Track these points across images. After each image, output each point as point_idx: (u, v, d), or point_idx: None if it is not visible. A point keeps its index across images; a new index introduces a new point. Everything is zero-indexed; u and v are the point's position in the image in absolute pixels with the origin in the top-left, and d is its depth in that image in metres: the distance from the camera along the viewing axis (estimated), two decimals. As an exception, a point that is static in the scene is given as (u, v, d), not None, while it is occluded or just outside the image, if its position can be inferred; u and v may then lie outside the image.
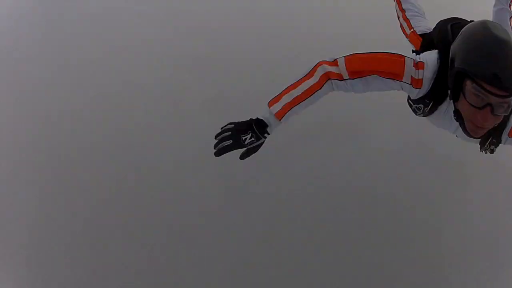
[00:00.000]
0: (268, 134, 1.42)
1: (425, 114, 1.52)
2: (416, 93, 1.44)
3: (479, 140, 1.47)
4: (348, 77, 1.41)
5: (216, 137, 1.41)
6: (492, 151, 1.51)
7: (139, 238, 3.36)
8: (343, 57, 1.42)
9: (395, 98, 1.77)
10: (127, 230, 3.36)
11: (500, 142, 1.47)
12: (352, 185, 3.46)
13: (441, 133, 1.69)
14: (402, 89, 1.44)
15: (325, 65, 1.43)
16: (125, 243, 3.32)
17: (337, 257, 3.26)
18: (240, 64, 3.80)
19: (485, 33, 1.24)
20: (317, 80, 1.42)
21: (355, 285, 3.19)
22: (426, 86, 1.41)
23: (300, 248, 3.30)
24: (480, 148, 1.52)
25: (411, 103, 1.54)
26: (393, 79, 1.39)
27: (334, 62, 1.43)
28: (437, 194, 3.34)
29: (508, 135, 1.44)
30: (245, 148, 1.41)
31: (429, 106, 1.46)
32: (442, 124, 1.57)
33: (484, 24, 1.27)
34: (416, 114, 1.56)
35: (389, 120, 3.54)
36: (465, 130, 1.36)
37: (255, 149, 1.45)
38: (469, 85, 1.24)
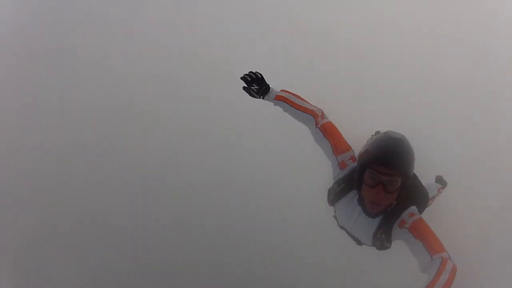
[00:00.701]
0: (263, 98, 2.14)
1: (335, 197, 1.87)
2: (337, 173, 1.90)
3: (372, 237, 1.81)
4: (318, 127, 1.99)
5: (245, 75, 2.15)
6: (381, 246, 1.79)
7: (138, 238, 3.37)
8: (326, 122, 2.00)
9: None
10: (127, 231, 3.36)
11: (390, 234, 1.75)
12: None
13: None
14: (332, 163, 1.94)
15: (322, 114, 2.05)
16: (125, 244, 3.33)
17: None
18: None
19: (382, 135, 1.72)
20: (310, 109, 2.04)
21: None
22: (346, 171, 1.86)
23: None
24: (372, 239, 1.81)
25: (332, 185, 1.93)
26: (334, 151, 1.92)
27: (324, 118, 2.03)
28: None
29: (398, 225, 1.74)
30: (247, 87, 2.15)
31: (341, 187, 1.84)
32: (342, 214, 1.90)
33: (385, 132, 1.74)
34: (329, 200, 1.93)
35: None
36: (364, 210, 1.74)
37: (251, 94, 2.17)
38: (367, 172, 1.65)
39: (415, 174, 1.93)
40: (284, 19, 3.91)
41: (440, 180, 2.91)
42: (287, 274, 3.14)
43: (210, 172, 3.56)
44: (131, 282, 3.22)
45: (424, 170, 2.05)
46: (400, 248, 1.79)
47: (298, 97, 2.09)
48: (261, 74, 2.14)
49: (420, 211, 1.91)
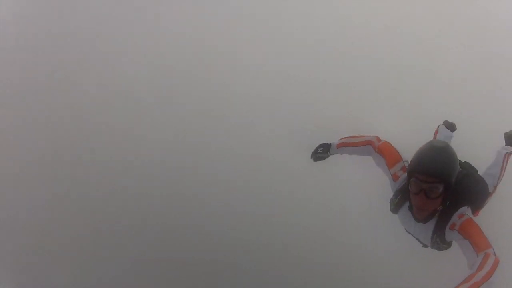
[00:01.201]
0: (330, 154, 2.47)
1: (395, 207, 2.04)
2: (393, 185, 2.08)
3: (430, 240, 1.95)
4: (376, 151, 2.21)
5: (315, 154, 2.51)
6: (439, 247, 1.96)
7: (137, 239, 3.37)
8: (381, 143, 2.22)
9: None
10: (127, 231, 3.36)
11: (444, 236, 1.88)
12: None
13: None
14: (388, 178, 2.13)
15: (377, 139, 2.27)
16: (125, 244, 3.33)
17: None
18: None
19: (425, 145, 1.86)
20: (367, 140, 2.29)
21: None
22: (399, 182, 2.03)
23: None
24: (431, 242, 1.96)
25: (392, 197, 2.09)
26: (388, 165, 2.12)
27: (380, 141, 2.25)
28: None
29: (449, 227, 1.84)
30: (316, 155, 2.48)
31: (398, 198, 2.01)
32: (405, 221, 2.06)
33: (429, 141, 1.90)
34: (391, 210, 2.09)
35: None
36: (413, 214, 1.89)
37: (322, 157, 2.49)
38: (411, 181, 1.82)
39: (470, 173, 2.10)
40: (283, 20, 3.92)
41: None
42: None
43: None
44: (132, 283, 3.22)
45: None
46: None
47: (353, 136, 2.39)
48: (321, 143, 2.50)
49: (478, 208, 2.09)
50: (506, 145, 2.64)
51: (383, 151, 2.18)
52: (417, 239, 2.10)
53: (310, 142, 2.57)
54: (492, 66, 3.58)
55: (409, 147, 3.00)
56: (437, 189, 1.75)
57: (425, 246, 2.11)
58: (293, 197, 3.49)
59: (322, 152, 2.46)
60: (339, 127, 3.47)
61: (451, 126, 2.89)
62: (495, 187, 2.36)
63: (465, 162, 2.28)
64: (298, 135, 3.44)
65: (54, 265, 3.24)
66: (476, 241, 1.72)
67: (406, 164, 2.03)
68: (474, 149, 2.54)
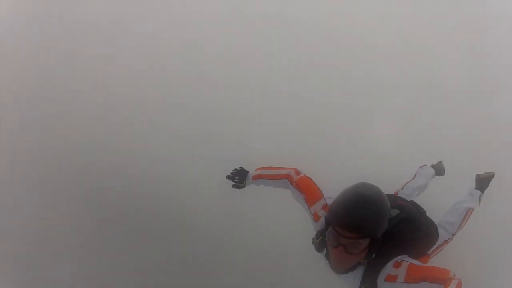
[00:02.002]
0: (246, 184, 2.32)
1: (318, 247, 1.71)
2: (315, 225, 1.80)
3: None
4: (293, 186, 2.02)
5: (229, 175, 2.37)
6: None
7: (137, 239, 3.37)
8: (299, 177, 2.02)
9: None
10: (128, 231, 3.36)
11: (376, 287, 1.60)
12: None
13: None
14: (309, 216, 1.87)
15: (295, 172, 2.08)
16: (126, 243, 3.33)
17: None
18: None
19: (350, 190, 1.56)
20: (283, 174, 2.09)
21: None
22: (320, 223, 1.73)
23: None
24: None
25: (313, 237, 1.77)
26: (307, 203, 1.88)
27: (299, 174, 2.06)
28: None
29: (384, 279, 1.57)
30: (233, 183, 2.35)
31: (319, 240, 1.67)
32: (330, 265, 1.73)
33: (357, 184, 1.59)
34: (315, 249, 1.76)
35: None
36: (331, 265, 1.64)
37: (239, 187, 2.33)
38: (328, 231, 1.56)
39: (411, 217, 1.81)
40: (281, 22, 3.93)
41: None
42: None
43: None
44: (131, 282, 3.22)
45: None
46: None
47: (271, 168, 2.22)
48: (240, 167, 2.37)
49: (421, 254, 1.82)
50: (475, 188, 2.43)
51: (301, 187, 1.96)
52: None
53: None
54: (489, 73, 3.61)
55: (403, 156, 3.03)
56: (359, 244, 1.49)
57: None
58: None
59: (238, 181, 2.30)
60: (332, 133, 3.53)
61: (439, 170, 2.77)
62: (453, 235, 2.15)
63: (411, 201, 2.04)
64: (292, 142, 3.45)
65: (54, 265, 3.24)
66: (434, 276, 1.50)
67: (329, 202, 1.80)
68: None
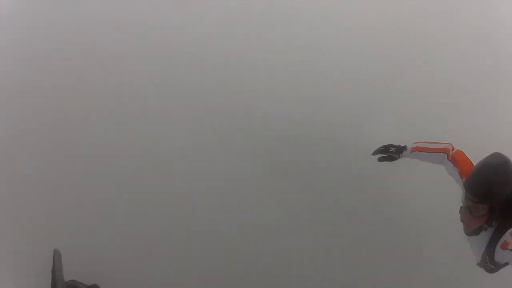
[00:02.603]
0: (401, 156, 2.42)
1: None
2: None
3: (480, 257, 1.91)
4: (449, 160, 2.17)
5: (378, 149, 2.47)
6: (486, 267, 1.92)
7: (139, 239, 3.37)
8: (455, 152, 2.19)
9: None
10: (128, 230, 3.36)
11: (493, 255, 1.82)
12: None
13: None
14: (461, 189, 1.98)
15: (451, 147, 2.24)
16: (127, 243, 3.33)
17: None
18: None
19: (483, 160, 1.80)
20: (442, 148, 2.24)
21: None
22: None
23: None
24: (480, 260, 1.93)
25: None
26: (461, 176, 2.05)
27: (454, 149, 2.22)
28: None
29: (501, 247, 1.77)
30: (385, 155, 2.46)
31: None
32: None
33: (492, 153, 1.79)
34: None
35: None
36: (463, 228, 1.88)
37: (392, 158, 2.45)
38: (464, 194, 1.81)
39: None
40: (279, 20, 3.92)
41: None
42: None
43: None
44: (132, 282, 3.22)
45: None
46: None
47: (429, 142, 2.35)
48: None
49: None
50: None
51: (456, 160, 2.13)
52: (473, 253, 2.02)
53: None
54: (491, 69, 3.61)
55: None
56: (481, 209, 1.73)
57: (478, 264, 2.02)
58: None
59: (394, 152, 2.42)
60: (335, 130, 3.53)
61: None
62: None
63: None
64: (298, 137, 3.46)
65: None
66: None
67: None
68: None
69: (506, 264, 1.86)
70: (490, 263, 1.87)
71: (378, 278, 3.25)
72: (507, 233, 1.74)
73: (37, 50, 3.84)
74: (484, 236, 1.84)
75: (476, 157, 2.61)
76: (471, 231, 1.85)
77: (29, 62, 3.79)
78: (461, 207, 1.87)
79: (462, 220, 1.86)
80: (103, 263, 3.22)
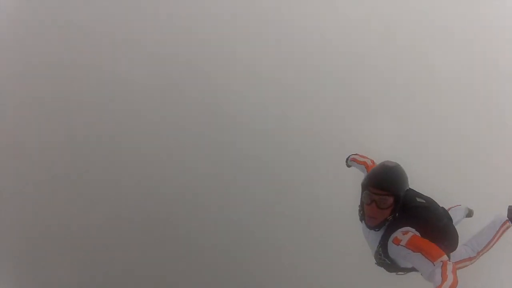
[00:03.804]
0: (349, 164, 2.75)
1: (360, 218, 2.14)
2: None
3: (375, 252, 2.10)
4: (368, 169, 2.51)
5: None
6: (381, 260, 2.08)
7: (138, 238, 3.37)
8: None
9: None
10: (128, 231, 3.36)
11: (387, 248, 2.01)
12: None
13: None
14: None
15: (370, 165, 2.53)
16: (127, 242, 3.33)
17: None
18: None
19: (378, 165, 2.12)
20: (363, 161, 2.60)
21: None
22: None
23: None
24: (375, 254, 2.12)
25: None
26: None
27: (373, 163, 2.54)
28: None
29: (393, 242, 1.97)
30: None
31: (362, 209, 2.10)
32: (364, 230, 2.19)
33: (382, 162, 2.10)
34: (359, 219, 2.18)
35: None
36: (365, 223, 2.06)
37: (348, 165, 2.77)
38: (364, 193, 2.04)
39: (433, 207, 2.14)
40: (280, 21, 3.94)
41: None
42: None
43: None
44: (131, 281, 3.22)
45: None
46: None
47: (362, 156, 2.62)
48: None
49: (434, 241, 1.97)
50: (507, 216, 2.54)
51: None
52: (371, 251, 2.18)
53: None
54: (489, 70, 3.61)
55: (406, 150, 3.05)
56: (387, 200, 1.97)
57: (374, 256, 2.17)
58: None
59: (346, 163, 2.72)
60: (337, 131, 3.54)
61: (469, 214, 2.85)
62: (478, 253, 2.35)
63: (442, 207, 2.27)
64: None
65: (54, 266, 3.23)
66: (428, 251, 1.84)
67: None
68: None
69: (414, 269, 2.01)
70: (384, 257, 2.04)
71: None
72: (399, 231, 1.96)
73: (37, 50, 3.85)
74: (379, 232, 2.05)
75: (476, 156, 2.60)
76: (376, 225, 2.02)
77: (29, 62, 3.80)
78: (360, 208, 2.10)
79: (367, 216, 2.03)
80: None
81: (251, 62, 3.80)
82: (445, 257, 1.79)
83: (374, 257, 2.15)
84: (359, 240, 2.28)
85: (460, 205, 2.83)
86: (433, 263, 1.78)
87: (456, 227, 2.30)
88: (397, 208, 1.99)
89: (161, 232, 3.40)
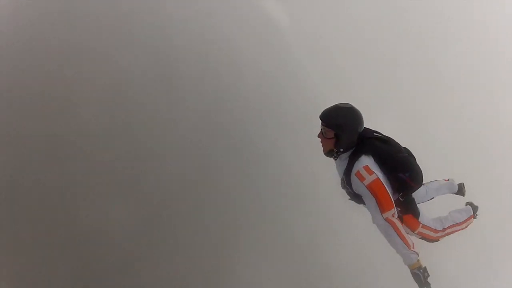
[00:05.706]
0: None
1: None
2: None
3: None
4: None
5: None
6: (347, 190, 2.28)
7: (138, 238, 3.37)
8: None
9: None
10: (127, 231, 3.36)
11: (350, 178, 2.20)
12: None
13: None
14: None
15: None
16: (127, 242, 3.33)
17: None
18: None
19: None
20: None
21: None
22: None
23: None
24: (341, 182, 2.32)
25: None
26: None
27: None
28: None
29: (355, 175, 2.16)
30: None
31: None
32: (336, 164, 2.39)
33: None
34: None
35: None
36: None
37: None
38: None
39: (393, 144, 2.30)
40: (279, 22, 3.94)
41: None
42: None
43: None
44: (131, 281, 3.22)
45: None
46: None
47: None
48: None
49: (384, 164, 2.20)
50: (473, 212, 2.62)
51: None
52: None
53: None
54: (492, 64, 3.62)
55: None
56: (328, 132, 2.21)
57: (342, 186, 2.37)
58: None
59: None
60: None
61: (461, 191, 2.85)
62: (443, 230, 2.44)
63: (405, 147, 2.39)
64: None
65: (54, 266, 3.23)
66: (382, 201, 2.08)
67: None
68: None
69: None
70: (347, 184, 2.23)
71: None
72: (360, 165, 2.14)
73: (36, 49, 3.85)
74: (344, 162, 2.24)
75: (477, 156, 2.60)
76: (326, 152, 2.28)
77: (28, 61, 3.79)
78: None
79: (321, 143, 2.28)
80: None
81: (255, 59, 3.81)
82: (392, 210, 2.07)
83: (341, 187, 2.34)
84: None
85: (449, 180, 2.83)
86: (381, 214, 2.06)
87: (435, 198, 2.49)
88: (341, 143, 2.20)
89: (161, 232, 3.39)
